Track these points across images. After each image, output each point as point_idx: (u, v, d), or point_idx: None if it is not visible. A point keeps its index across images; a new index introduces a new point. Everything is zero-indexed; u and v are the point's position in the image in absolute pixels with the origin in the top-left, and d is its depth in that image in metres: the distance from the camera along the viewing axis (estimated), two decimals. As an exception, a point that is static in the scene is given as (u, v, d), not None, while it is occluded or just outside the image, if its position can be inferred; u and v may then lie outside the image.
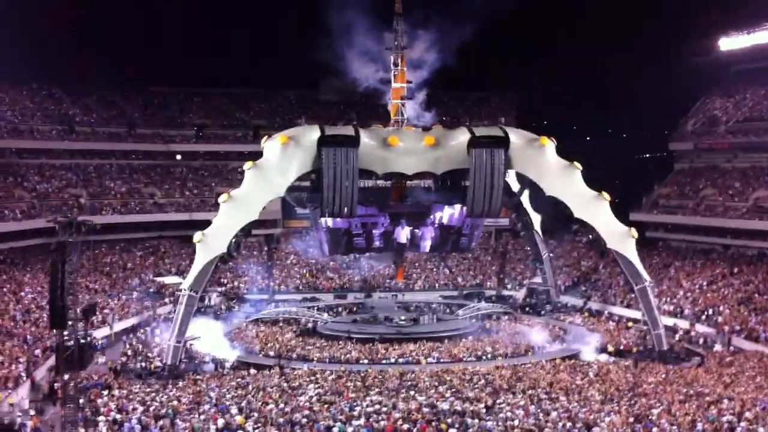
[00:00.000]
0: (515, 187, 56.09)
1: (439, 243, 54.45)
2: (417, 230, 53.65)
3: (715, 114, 76.35)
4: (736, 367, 41.55)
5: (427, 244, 54.64)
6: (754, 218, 62.05)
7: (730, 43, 75.00)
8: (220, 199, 45.31)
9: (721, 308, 53.00)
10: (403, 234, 53.19)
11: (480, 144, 45.91)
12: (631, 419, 31.10)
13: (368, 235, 52.09)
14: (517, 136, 47.35)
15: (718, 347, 47.95)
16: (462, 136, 46.73)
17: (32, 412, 33.29)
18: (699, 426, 29.59)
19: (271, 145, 45.83)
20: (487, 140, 46.30)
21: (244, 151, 75.02)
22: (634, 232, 47.78)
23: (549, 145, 47.23)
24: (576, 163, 47.45)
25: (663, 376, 40.28)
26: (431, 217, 52.86)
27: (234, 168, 75.93)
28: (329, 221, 49.88)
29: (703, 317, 52.69)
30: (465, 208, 48.95)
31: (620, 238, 47.44)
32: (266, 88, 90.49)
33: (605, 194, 47.45)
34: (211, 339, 47.92)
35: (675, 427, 29.61)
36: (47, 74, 77.56)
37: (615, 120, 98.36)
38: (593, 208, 47.38)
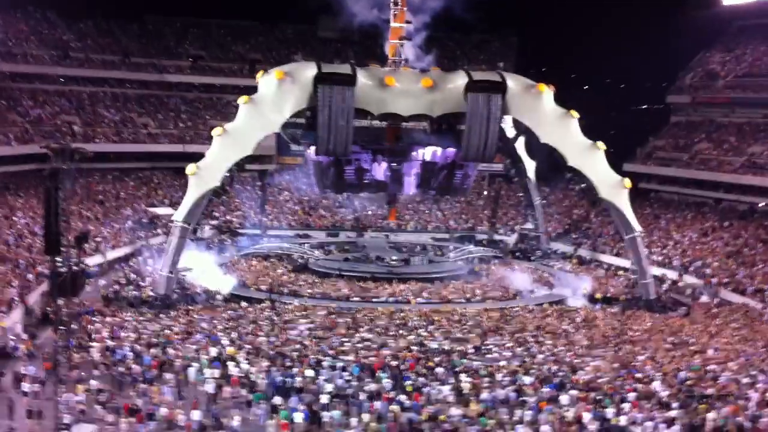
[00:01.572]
0: (510, 133, 55.98)
1: (423, 180, 53.24)
2: (396, 166, 52.06)
3: (714, 68, 75.84)
4: (721, 319, 42.23)
5: (411, 182, 53.20)
6: (747, 173, 62.19)
7: (733, -4, 74.20)
8: (214, 133, 45.03)
9: (710, 260, 53.52)
10: (380, 170, 51.70)
11: (477, 88, 45.66)
12: (616, 364, 31.72)
13: (357, 170, 51.03)
14: (514, 82, 47.07)
15: (705, 298, 48.56)
16: (460, 80, 46.42)
17: (25, 336, 33.65)
18: (682, 374, 30.21)
19: (267, 80, 45.42)
20: (484, 85, 46.03)
21: (240, 84, 74.10)
22: (627, 182, 47.90)
23: (546, 92, 46.98)
24: (573, 111, 47.32)
25: (649, 324, 40.97)
26: (414, 153, 51.94)
27: (229, 101, 75.22)
28: (312, 154, 49.59)
29: (692, 269, 53.22)
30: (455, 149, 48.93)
31: (613, 188, 47.60)
32: (264, 22, 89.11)
33: (600, 144, 47.43)
34: (203, 271, 48.21)
35: (659, 374, 30.22)
36: (42, -2, 76.31)
37: (613, 70, 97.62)
38: (588, 157, 47.40)
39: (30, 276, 40.74)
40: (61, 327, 22.63)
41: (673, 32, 78.66)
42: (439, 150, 50.85)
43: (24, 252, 44.59)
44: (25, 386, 27.31)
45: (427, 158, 51.44)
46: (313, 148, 48.60)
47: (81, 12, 79.20)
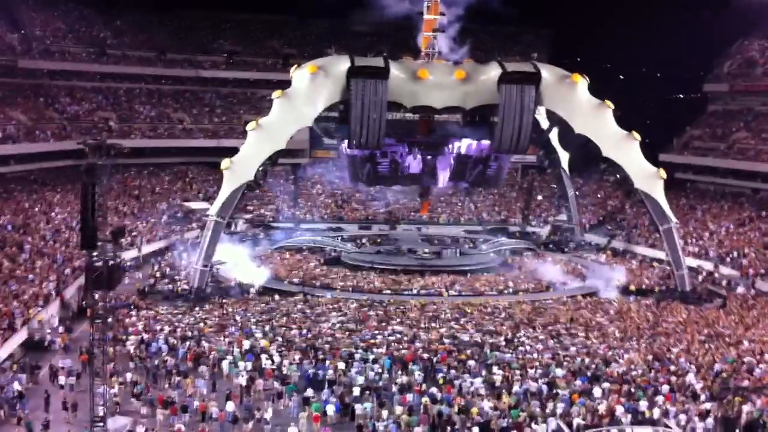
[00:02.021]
0: (544, 124, 55.59)
1: (457, 173, 52.95)
2: (431, 158, 52.00)
3: (752, 56, 74.59)
4: (758, 310, 41.61)
5: (445, 175, 53.12)
6: (786, 163, 61.29)
7: (773, -17, 72.89)
8: (249, 127, 45.40)
9: (746, 251, 52.76)
10: (415, 163, 51.51)
11: (511, 80, 45.37)
12: (650, 357, 31.48)
13: (392, 163, 51.17)
14: (548, 73, 46.70)
15: (740, 290, 47.88)
16: (493, 72, 46.17)
17: (61, 330, 34.29)
18: (717, 366, 29.92)
19: (300, 75, 45.63)
20: (518, 76, 45.72)
21: (274, 79, 74.76)
22: (662, 173, 47.33)
23: (581, 82, 46.59)
24: (608, 101, 46.83)
25: (684, 316, 40.47)
26: (449, 147, 51.74)
27: (263, 96, 75.66)
28: (346, 148, 49.80)
29: (728, 260, 52.52)
30: (488, 141, 48.78)
31: (648, 179, 47.03)
32: (298, 16, 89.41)
33: (635, 134, 46.91)
34: (236, 264, 48.62)
35: (693, 367, 29.94)
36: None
37: (650, 59, 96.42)
38: (623, 148, 46.89)
39: (67, 270, 41.44)
40: (97, 320, 22.96)
41: (710, 20, 77.47)
42: (474, 143, 50.66)
43: (61, 247, 45.36)
44: (61, 379, 27.92)
45: (462, 151, 51.27)
46: (346, 142, 48.76)
47: (117, 9, 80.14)
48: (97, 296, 23.58)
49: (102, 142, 23.62)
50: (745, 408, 25.18)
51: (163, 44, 79.60)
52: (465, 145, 51.03)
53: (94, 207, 22.58)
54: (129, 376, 28.28)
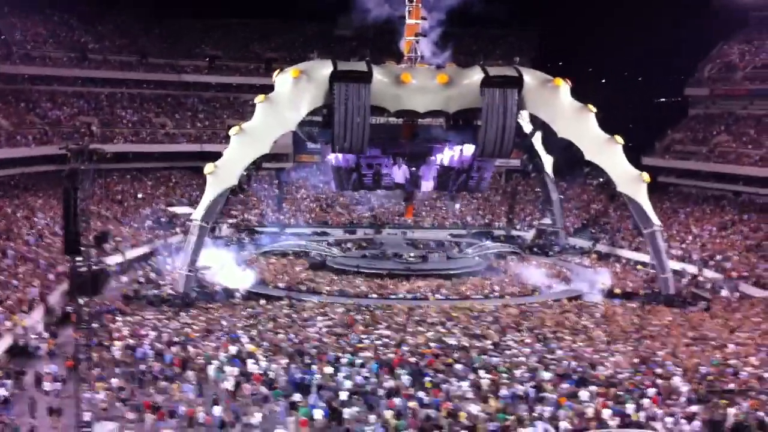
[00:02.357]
0: (527, 128, 55.76)
1: (441, 184, 53.61)
2: (415, 169, 52.42)
3: (732, 60, 75.24)
4: (742, 313, 41.92)
5: (429, 184, 53.57)
6: (766, 166, 61.66)
7: (752, -12, 73.60)
8: (232, 132, 45.30)
9: (730, 254, 53.15)
10: (400, 173, 51.90)
11: (493, 84, 45.46)
12: (636, 360, 31.59)
13: (375, 174, 51.47)
14: (531, 77, 46.85)
15: (725, 293, 48.18)
16: (475, 75, 46.25)
17: (46, 335, 33.97)
18: (703, 369, 30.05)
19: (283, 79, 45.56)
20: (500, 80, 45.81)
21: (257, 83, 74.54)
22: (645, 176, 47.59)
23: (563, 86, 46.77)
24: (590, 105, 47.02)
25: (669, 319, 40.71)
26: (432, 158, 52.16)
27: (246, 101, 75.55)
28: (333, 159, 49.83)
29: (711, 263, 52.81)
30: (466, 149, 48.97)
31: (631, 182, 47.29)
32: (281, 21, 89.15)
33: (618, 138, 47.13)
34: (222, 269, 48.44)
35: (679, 369, 30.07)
36: (60, 0, 76.68)
37: (631, 63, 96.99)
38: (606, 152, 47.11)
39: (51, 276, 41.10)
40: (82, 326, 22.79)
41: (691, 24, 78.06)
42: (456, 154, 50.80)
43: (44, 252, 44.98)
44: (46, 385, 27.63)
45: (445, 163, 51.47)
46: (332, 155, 48.87)
47: (99, 13, 79.62)
48: (81, 302, 23.40)
49: (84, 147, 23.50)
50: (731, 410, 25.30)
51: (144, 48, 79.23)
52: (448, 157, 51.22)
53: (76, 212, 22.45)
54: (114, 381, 28.04)
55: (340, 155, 48.87)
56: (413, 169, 52.10)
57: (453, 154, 51.04)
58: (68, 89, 72.05)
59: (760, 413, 24.88)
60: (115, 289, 44.01)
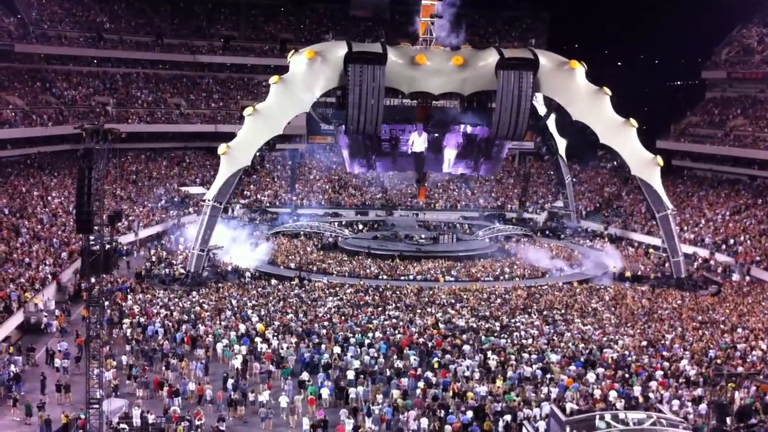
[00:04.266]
0: (542, 110, 55.54)
1: (465, 152, 51.68)
2: (438, 136, 50.79)
3: (750, 43, 74.50)
4: (752, 297, 41.82)
5: (451, 154, 51.48)
6: (783, 150, 61.31)
7: (770, -30, 72.76)
8: (246, 112, 45.41)
9: (742, 238, 52.93)
10: (420, 140, 50.20)
11: (508, 66, 45.21)
12: (644, 343, 31.62)
13: (393, 140, 50.40)
14: (546, 59, 46.63)
15: (736, 277, 48.10)
16: (491, 58, 46.04)
17: (58, 313, 34.40)
18: (711, 353, 30.06)
19: (298, 60, 45.55)
20: (516, 62, 45.55)
21: (271, 64, 74.75)
22: (659, 159, 47.43)
23: (579, 69, 46.52)
24: (605, 88, 46.81)
25: (679, 302, 40.69)
26: (456, 126, 50.72)
27: (260, 81, 75.79)
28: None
29: (724, 247, 52.68)
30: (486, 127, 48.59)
31: (645, 166, 47.17)
32: (296, 1, 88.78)
33: (633, 121, 46.96)
34: (233, 249, 48.77)
35: (687, 353, 30.09)
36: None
37: (648, 46, 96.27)
38: (620, 135, 46.98)
39: (63, 254, 41.51)
40: (93, 304, 23.05)
41: (708, 7, 77.26)
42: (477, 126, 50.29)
43: (58, 231, 45.40)
44: (57, 362, 28.03)
45: (468, 131, 50.60)
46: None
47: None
48: (93, 280, 23.64)
49: (99, 127, 23.56)
50: (738, 394, 25.33)
51: (160, 29, 79.27)
52: (471, 127, 50.57)
53: (90, 191, 22.54)
54: (125, 359, 28.42)
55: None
56: (436, 135, 50.94)
57: (475, 127, 50.40)
58: (84, 69, 72.29)
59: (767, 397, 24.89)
60: (128, 268, 44.37)
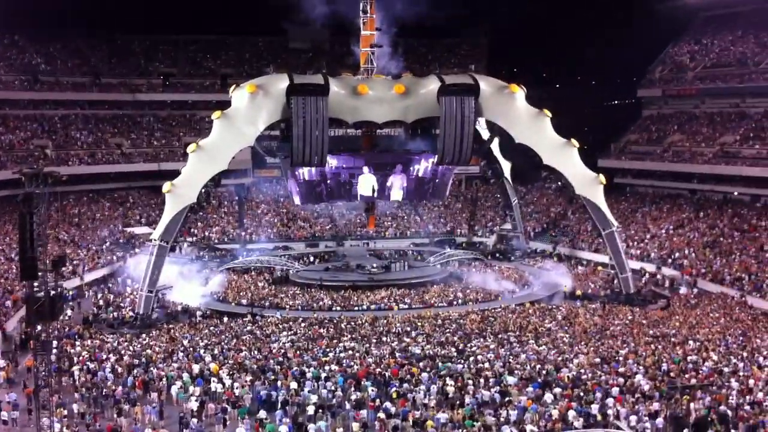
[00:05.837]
0: (485, 134, 56.19)
1: (413, 192, 52.72)
2: (383, 179, 51.01)
3: (682, 60, 76.59)
4: (701, 309, 42.60)
5: (398, 193, 52.28)
6: (720, 163, 62.82)
7: (698, -11, 75.07)
8: (189, 149, 45.00)
9: (687, 252, 54.01)
10: (367, 184, 50.56)
11: (450, 92, 45.79)
12: (598, 360, 31.87)
13: (346, 184, 50.63)
14: (487, 84, 47.33)
15: (683, 290, 48.99)
16: (432, 84, 46.58)
17: (3, 363, 33.32)
18: (664, 366, 30.42)
19: (240, 95, 45.41)
20: (456, 88, 46.18)
21: (212, 100, 74.33)
22: (602, 178, 48.32)
23: (519, 92, 47.30)
24: (546, 110, 47.68)
25: (630, 318, 41.20)
26: (410, 168, 51.09)
27: (202, 117, 75.10)
28: (305, 174, 49.23)
29: (669, 261, 53.69)
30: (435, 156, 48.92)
31: (589, 185, 47.99)
32: (234, 36, 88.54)
33: (574, 141, 47.85)
34: (183, 288, 48.03)
35: (641, 368, 30.40)
36: (10, 21, 75.20)
37: (584, 68, 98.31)
38: (562, 155, 47.79)
39: (8, 302, 40.39)
40: (41, 352, 22.42)
41: (640, 26, 79.37)
42: (430, 165, 50.39)
43: (0, 279, 44.19)
44: (4, 414, 27.04)
45: (420, 174, 51.12)
46: (302, 170, 48.40)
47: (49, 34, 78.14)
48: (39, 327, 23.02)
49: (39, 171, 23.13)
50: (693, 406, 25.63)
51: (97, 69, 78.22)
52: (423, 168, 50.87)
53: (32, 236, 22.06)
54: (76, 407, 27.59)
55: (305, 171, 48.42)
56: (381, 179, 51.14)
57: (428, 165, 50.59)
58: (20, 112, 70.77)
59: (722, 407, 25.21)
60: (75, 314, 43.33)
